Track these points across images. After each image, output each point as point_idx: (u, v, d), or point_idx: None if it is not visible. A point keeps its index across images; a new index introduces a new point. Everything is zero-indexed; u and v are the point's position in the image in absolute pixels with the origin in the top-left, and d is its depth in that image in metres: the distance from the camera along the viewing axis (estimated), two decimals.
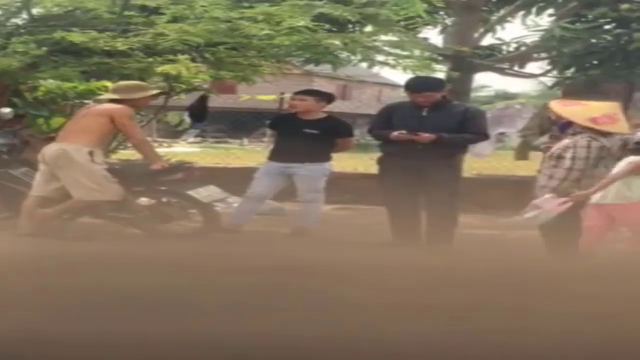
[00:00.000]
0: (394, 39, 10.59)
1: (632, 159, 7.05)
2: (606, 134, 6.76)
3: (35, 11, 10.40)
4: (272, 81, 11.86)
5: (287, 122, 8.77)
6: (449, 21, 13.42)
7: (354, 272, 5.90)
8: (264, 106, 24.26)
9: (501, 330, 4.49)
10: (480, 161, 13.18)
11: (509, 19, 13.64)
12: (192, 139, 34.40)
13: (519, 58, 13.60)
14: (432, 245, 7.58)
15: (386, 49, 10.53)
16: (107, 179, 7.95)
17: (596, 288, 5.37)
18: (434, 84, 8.15)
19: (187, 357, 4.17)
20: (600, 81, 12.00)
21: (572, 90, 11.46)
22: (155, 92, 8.84)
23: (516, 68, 13.95)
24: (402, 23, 10.54)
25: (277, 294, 5.22)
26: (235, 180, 9.49)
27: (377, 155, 8.18)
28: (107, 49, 9.39)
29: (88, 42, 9.32)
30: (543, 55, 13.34)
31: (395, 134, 7.60)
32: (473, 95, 14.91)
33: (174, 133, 34.30)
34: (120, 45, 9.32)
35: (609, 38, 12.18)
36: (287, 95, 13.20)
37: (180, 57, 9.65)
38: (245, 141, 33.36)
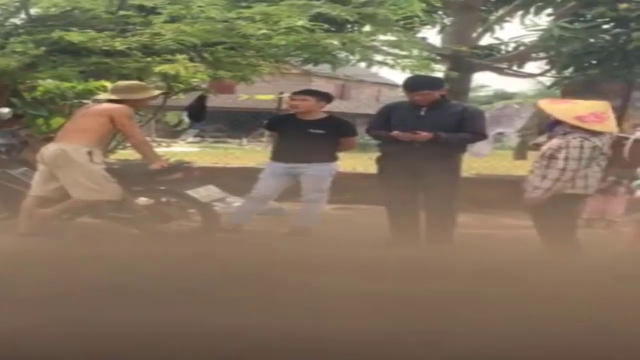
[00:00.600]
0: (393, 38, 10.58)
1: None
2: (597, 133, 6.74)
3: (34, 11, 10.34)
4: (271, 81, 11.84)
5: (288, 123, 8.74)
6: (447, 21, 13.44)
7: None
8: (262, 106, 24.31)
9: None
10: (479, 161, 13.21)
11: (508, 18, 13.66)
12: (190, 139, 34.40)
13: (518, 58, 13.61)
14: (431, 245, 7.56)
15: (384, 48, 10.52)
16: (106, 179, 7.94)
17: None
18: (431, 83, 8.13)
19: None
20: (598, 81, 12.04)
21: (570, 90, 11.49)
22: (154, 92, 8.83)
23: (515, 68, 13.99)
24: (401, 23, 10.51)
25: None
26: (234, 180, 9.49)
27: (376, 155, 8.17)
28: (105, 48, 9.36)
29: (86, 41, 9.29)
30: (541, 54, 13.36)
31: (395, 132, 7.59)
32: (472, 95, 14.92)
33: (173, 133, 34.31)
34: (119, 45, 9.29)
35: (608, 38, 12.21)
36: (286, 95, 13.21)
37: (179, 56, 9.63)
38: (244, 141, 33.37)
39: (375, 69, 13.12)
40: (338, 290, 5.16)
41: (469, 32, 12.98)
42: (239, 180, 9.09)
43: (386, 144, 7.88)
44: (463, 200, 8.09)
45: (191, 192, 8.30)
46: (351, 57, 10.88)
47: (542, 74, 14.00)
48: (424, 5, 10.07)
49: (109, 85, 9.82)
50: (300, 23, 9.41)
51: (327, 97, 8.79)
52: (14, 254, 6.68)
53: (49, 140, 8.53)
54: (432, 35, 49.03)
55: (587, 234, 7.32)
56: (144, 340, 4.26)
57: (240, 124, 36.44)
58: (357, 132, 9.04)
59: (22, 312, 4.73)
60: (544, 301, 5.08)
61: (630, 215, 7.97)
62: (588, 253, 6.94)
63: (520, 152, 10.80)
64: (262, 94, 19.35)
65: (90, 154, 7.89)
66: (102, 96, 8.95)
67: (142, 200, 8.44)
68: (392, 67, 10.50)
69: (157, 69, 9.80)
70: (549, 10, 13.13)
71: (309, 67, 12.80)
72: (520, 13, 13.27)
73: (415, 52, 10.59)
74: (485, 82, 43.70)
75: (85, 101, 10.56)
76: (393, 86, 33.21)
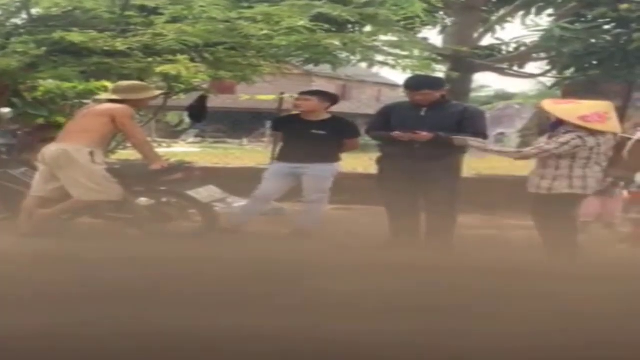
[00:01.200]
0: (393, 38, 10.59)
1: None
2: (596, 133, 6.74)
3: (35, 11, 10.35)
4: (272, 81, 11.84)
5: (292, 123, 8.71)
6: (448, 21, 13.45)
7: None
8: (263, 106, 24.26)
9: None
10: (479, 161, 13.19)
11: (509, 18, 13.69)
12: (191, 139, 34.38)
13: (518, 58, 13.62)
14: (430, 245, 7.54)
15: (385, 48, 10.52)
16: (107, 179, 7.93)
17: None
18: (432, 82, 8.11)
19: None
20: (599, 81, 12.04)
21: (571, 90, 11.47)
22: (155, 92, 8.82)
23: (515, 68, 14.01)
24: (401, 23, 10.54)
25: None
26: (234, 180, 9.47)
27: (376, 155, 8.15)
28: (106, 48, 9.36)
29: (87, 41, 9.30)
30: (542, 55, 13.39)
31: (396, 133, 7.56)
32: (472, 95, 14.91)
33: (173, 133, 34.31)
34: (120, 45, 9.29)
35: (608, 38, 12.24)
36: (287, 95, 13.18)
37: (180, 57, 9.63)
38: (245, 141, 33.35)
39: (376, 69, 13.18)
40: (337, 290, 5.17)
41: (469, 32, 12.99)
42: (239, 180, 9.07)
43: (386, 145, 7.85)
44: (463, 200, 8.06)
45: (191, 192, 8.28)
46: (352, 57, 10.91)
47: (543, 74, 14.02)
48: (424, 5, 10.07)
49: (109, 85, 9.79)
50: (301, 23, 9.41)
51: (331, 98, 8.76)
52: (13, 254, 6.68)
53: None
54: (433, 36, 49.03)
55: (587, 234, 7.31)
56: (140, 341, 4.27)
57: (240, 124, 36.42)
58: (359, 133, 9.04)
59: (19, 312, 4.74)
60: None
61: (627, 214, 7.99)
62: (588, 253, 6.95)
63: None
64: (262, 94, 19.31)
65: (91, 154, 7.88)
66: (103, 96, 8.93)
67: (143, 201, 8.41)
68: (393, 67, 10.53)
69: (158, 69, 9.80)
70: (550, 11, 13.16)
71: (310, 67, 12.81)
72: (521, 13, 13.29)
73: (416, 52, 10.60)
74: (486, 82, 43.66)
75: (85, 101, 10.53)
76: (394, 86, 33.19)
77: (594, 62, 12.34)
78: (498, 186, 11.25)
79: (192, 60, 9.90)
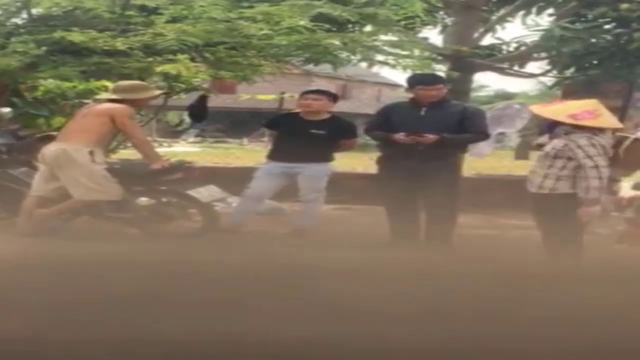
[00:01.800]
0: (394, 38, 10.61)
1: None
2: (596, 131, 6.72)
3: (35, 11, 10.37)
4: (272, 81, 11.84)
5: (290, 122, 8.68)
6: (448, 20, 13.40)
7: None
8: (263, 106, 24.28)
9: None
10: (479, 161, 13.18)
11: (509, 18, 13.62)
12: (191, 139, 34.36)
13: (519, 57, 13.57)
14: (430, 245, 7.52)
15: (385, 48, 10.54)
16: (107, 179, 7.92)
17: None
18: (441, 78, 8.19)
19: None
20: (599, 81, 12.01)
21: (571, 90, 11.45)
22: (155, 92, 8.80)
23: (516, 68, 13.94)
24: (402, 22, 10.54)
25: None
26: (234, 179, 9.46)
27: (376, 155, 8.13)
28: (106, 48, 9.38)
29: (87, 41, 9.31)
30: (542, 54, 13.32)
31: (398, 136, 7.54)
32: (472, 95, 14.90)
33: (174, 132, 34.31)
34: (120, 44, 9.31)
35: (609, 37, 12.20)
36: (287, 95, 13.19)
37: (180, 56, 9.62)
38: (245, 140, 33.31)
39: (376, 69, 13.15)
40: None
41: (470, 32, 12.95)
42: (239, 180, 9.04)
43: (386, 145, 7.83)
44: (463, 200, 8.05)
45: (192, 192, 8.27)
46: (352, 57, 10.87)
47: (543, 74, 13.96)
48: (425, 5, 10.07)
49: (109, 84, 9.78)
50: (301, 23, 9.44)
51: (334, 97, 8.74)
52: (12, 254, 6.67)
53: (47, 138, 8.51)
54: (433, 35, 48.97)
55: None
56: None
57: (240, 123, 36.38)
58: (357, 133, 9.02)
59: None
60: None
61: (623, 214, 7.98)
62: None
63: (521, 152, 10.77)
64: (263, 93, 19.34)
65: (91, 153, 7.86)
66: (103, 96, 8.92)
67: (143, 200, 8.41)
68: (393, 66, 10.55)
69: (158, 69, 9.80)
70: (550, 10, 13.11)
71: (310, 66, 12.77)
72: (521, 13, 13.23)
73: (416, 52, 10.63)
74: (486, 82, 43.70)
75: (86, 101, 10.53)
76: (394, 86, 33.19)
77: (595, 62, 12.31)
78: (498, 186, 11.25)
79: (193, 60, 9.90)
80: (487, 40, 13.86)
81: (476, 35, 13.26)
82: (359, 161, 13.59)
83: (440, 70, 11.61)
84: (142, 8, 9.88)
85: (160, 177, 8.16)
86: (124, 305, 4.93)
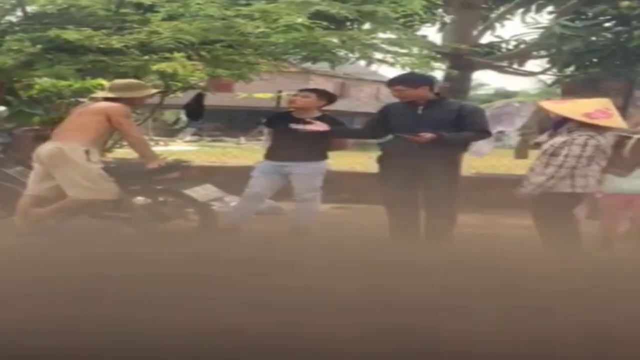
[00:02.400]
0: (392, 36, 10.53)
1: None
2: (601, 131, 6.75)
3: (30, 8, 10.30)
4: (269, 79, 11.78)
5: (283, 120, 8.62)
6: (447, 18, 13.44)
7: None
8: (260, 104, 24.20)
9: None
10: (479, 159, 13.16)
11: (508, 16, 13.70)
12: (188, 138, 34.32)
13: (518, 56, 13.61)
14: (430, 243, 7.50)
15: (384, 46, 10.50)
16: (103, 178, 7.89)
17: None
18: (406, 79, 8.04)
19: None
20: (599, 79, 12.04)
21: (571, 88, 11.44)
22: (152, 90, 8.76)
23: (515, 66, 13.97)
24: (400, 20, 10.52)
25: None
26: (231, 178, 9.42)
27: (375, 153, 8.11)
28: (102, 46, 9.31)
29: (83, 39, 9.24)
30: (542, 52, 13.36)
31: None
32: (471, 93, 14.93)
33: (170, 131, 34.25)
34: (116, 42, 9.25)
35: (609, 35, 12.24)
36: (285, 93, 13.13)
37: (176, 54, 9.57)
38: (242, 139, 33.27)
39: (374, 67, 13.11)
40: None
41: (469, 30, 12.98)
42: (236, 179, 9.00)
43: (386, 143, 7.82)
44: (463, 199, 8.00)
45: (188, 191, 8.24)
46: (350, 55, 10.85)
47: (543, 72, 14.05)
48: (424, 2, 10.04)
49: (105, 83, 9.75)
50: (299, 20, 9.38)
51: (329, 97, 8.68)
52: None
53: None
54: (432, 33, 48.92)
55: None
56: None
57: (238, 122, 36.37)
58: None
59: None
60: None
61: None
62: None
63: (521, 151, 10.74)
64: (260, 92, 19.28)
65: (87, 152, 7.83)
66: (99, 94, 8.87)
67: (139, 200, 8.38)
68: (392, 65, 10.50)
69: (155, 67, 9.75)
70: (550, 8, 13.15)
71: (308, 64, 12.73)
72: (521, 10, 13.31)
73: (415, 50, 10.57)
74: (486, 80, 43.82)
75: (81, 99, 10.49)
76: None
77: (595, 60, 12.34)
78: (498, 185, 11.19)
79: (189, 58, 9.86)
80: (487, 38, 13.96)
81: (475, 33, 13.31)
82: (358, 160, 13.60)
83: (440, 68, 11.62)
84: (138, 6, 9.82)
85: (156, 176, 8.13)
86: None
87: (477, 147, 11.00)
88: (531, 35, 13.24)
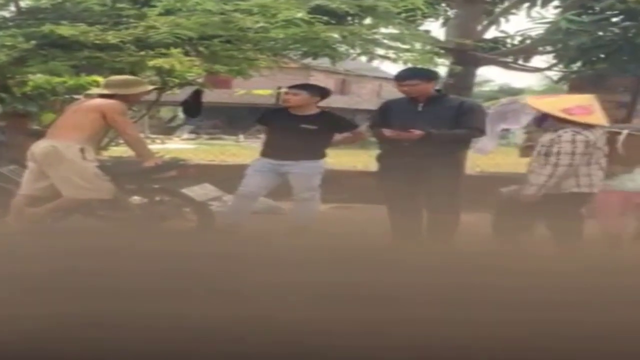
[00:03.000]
0: (394, 31, 10.50)
1: None
2: (589, 127, 6.72)
3: (23, 3, 10.30)
4: (268, 75, 11.70)
5: (280, 118, 8.51)
6: (451, 13, 13.50)
7: None
8: (260, 101, 24.08)
9: None
10: (483, 157, 13.02)
11: (513, 10, 13.79)
12: (185, 135, 34.43)
13: (524, 51, 13.69)
14: (432, 243, 7.43)
15: (386, 41, 10.42)
16: (98, 177, 7.81)
17: None
18: (418, 72, 7.99)
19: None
20: (607, 75, 12.05)
21: (578, 84, 11.41)
22: (148, 87, 8.66)
23: (520, 61, 14.12)
24: (402, 15, 10.49)
25: None
26: (230, 177, 9.28)
27: (376, 152, 8.00)
28: (97, 42, 9.23)
29: (78, 35, 9.16)
30: (548, 48, 13.44)
31: (386, 130, 7.47)
32: (476, 89, 14.95)
33: (167, 129, 34.29)
34: (111, 38, 9.16)
35: (616, 30, 12.14)
36: (284, 90, 13.00)
37: (173, 50, 9.50)
38: (241, 137, 33.27)
39: (376, 63, 13.04)
40: None
41: (473, 25, 13.05)
42: (235, 177, 8.87)
43: (385, 142, 7.70)
44: (466, 198, 7.86)
45: (186, 190, 8.17)
46: (351, 51, 10.75)
47: (549, 68, 14.10)
48: None
49: (101, 79, 9.68)
50: (298, 15, 9.32)
51: (322, 92, 8.55)
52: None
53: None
54: (435, 28, 49.13)
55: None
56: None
57: (236, 119, 36.41)
58: (355, 123, 8.89)
59: None
60: None
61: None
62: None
63: (527, 149, 10.64)
64: (259, 88, 19.22)
65: (82, 150, 7.75)
66: (94, 91, 8.80)
67: (135, 199, 8.28)
68: (394, 60, 10.38)
69: (151, 63, 9.68)
70: (556, 2, 13.24)
71: (308, 60, 12.69)
72: (526, 5, 13.35)
73: (418, 45, 10.52)
74: (490, 76, 43.88)
75: (76, 96, 10.35)
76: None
77: (602, 56, 12.28)
78: (502, 184, 11.05)
79: (187, 53, 9.79)
80: (491, 33, 14.01)
81: (480, 28, 13.39)
82: (359, 158, 13.54)
83: (443, 64, 11.64)
84: (134, 0, 9.83)
85: (153, 175, 8.04)
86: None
87: (481, 144, 10.88)
88: (537, 30, 13.29)
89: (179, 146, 25.38)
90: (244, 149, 23.12)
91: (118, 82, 8.15)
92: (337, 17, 10.28)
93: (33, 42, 9.28)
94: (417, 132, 7.29)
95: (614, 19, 12.30)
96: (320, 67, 22.85)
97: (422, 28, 12.63)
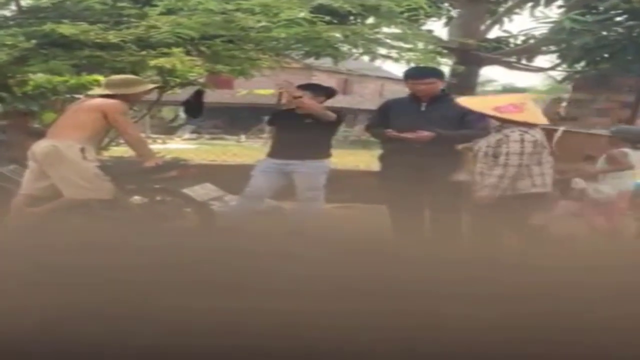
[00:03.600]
0: (397, 31, 10.52)
1: None
2: (534, 127, 6.68)
3: (24, 2, 10.31)
4: (270, 75, 11.68)
5: (286, 118, 8.48)
6: (454, 12, 13.50)
7: None
8: (261, 101, 24.06)
9: None
10: None
11: (517, 10, 13.80)
12: (187, 135, 34.37)
13: (527, 51, 13.72)
14: (434, 242, 7.36)
15: (388, 41, 10.42)
16: (99, 177, 7.75)
17: None
18: (433, 71, 7.99)
19: None
20: (611, 74, 12.02)
21: (582, 85, 11.39)
22: (149, 86, 8.62)
23: (524, 61, 14.18)
24: (405, 14, 10.45)
25: None
26: (232, 177, 9.26)
27: (378, 152, 7.98)
28: (98, 41, 9.22)
29: (79, 34, 9.15)
30: (552, 48, 13.46)
31: (389, 131, 7.43)
32: (479, 89, 14.98)
33: (168, 129, 34.28)
34: (112, 37, 9.15)
35: (620, 30, 12.16)
36: (284, 88, 13.02)
37: (175, 50, 9.47)
38: (242, 137, 33.24)
39: (378, 63, 13.04)
40: None
41: (476, 24, 13.06)
42: (237, 177, 8.86)
43: (387, 141, 7.66)
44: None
45: (187, 191, 8.14)
46: (354, 50, 10.80)
47: (553, 68, 14.12)
48: None
49: (102, 79, 9.64)
50: (301, 15, 9.33)
51: (327, 92, 8.54)
52: None
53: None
54: (438, 28, 49.14)
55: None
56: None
57: (238, 119, 36.38)
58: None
59: None
60: None
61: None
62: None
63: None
64: (261, 88, 19.20)
65: (82, 150, 7.70)
66: (95, 91, 8.74)
67: (136, 199, 8.26)
68: (396, 60, 10.41)
69: (153, 63, 9.64)
70: (560, 2, 13.26)
71: (310, 60, 12.72)
72: (529, 4, 13.36)
73: (420, 45, 10.54)
74: (493, 76, 43.80)
75: (77, 96, 10.35)
76: (397, 80, 32.99)
77: (606, 55, 12.30)
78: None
79: (188, 53, 9.76)
80: (494, 32, 14.07)
81: (483, 27, 13.42)
82: (361, 158, 13.52)
83: (446, 64, 11.62)
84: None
85: (154, 175, 7.98)
86: None
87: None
88: (540, 29, 13.36)
89: (181, 146, 25.34)
90: (245, 149, 23.11)
91: (119, 81, 8.11)
92: (339, 17, 10.29)
93: (34, 41, 9.26)
94: (426, 134, 7.25)
95: (618, 19, 12.31)
96: (323, 67, 22.81)
97: (424, 27, 12.69)
